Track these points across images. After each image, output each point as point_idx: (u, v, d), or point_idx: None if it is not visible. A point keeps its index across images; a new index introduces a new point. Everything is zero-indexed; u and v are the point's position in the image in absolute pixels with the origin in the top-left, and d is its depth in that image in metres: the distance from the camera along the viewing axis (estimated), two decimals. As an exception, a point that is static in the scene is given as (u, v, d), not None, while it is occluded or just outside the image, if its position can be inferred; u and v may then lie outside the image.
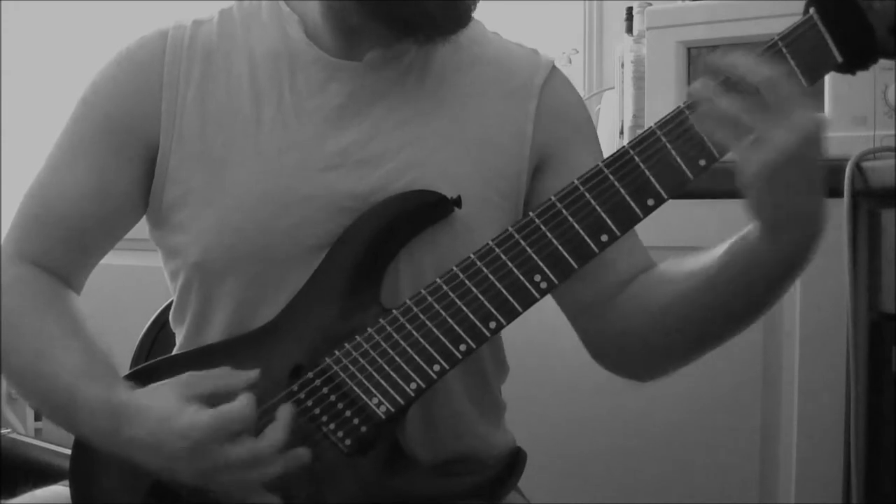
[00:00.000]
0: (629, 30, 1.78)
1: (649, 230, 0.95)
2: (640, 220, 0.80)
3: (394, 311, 0.84)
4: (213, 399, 0.81)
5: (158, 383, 0.84)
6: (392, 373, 0.84)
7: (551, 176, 0.95)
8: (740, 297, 0.83)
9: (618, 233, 0.81)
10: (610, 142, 1.74)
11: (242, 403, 0.80)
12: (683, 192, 0.79)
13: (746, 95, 0.73)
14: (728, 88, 0.74)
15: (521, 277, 0.82)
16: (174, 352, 0.99)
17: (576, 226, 0.80)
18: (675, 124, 0.78)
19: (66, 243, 0.95)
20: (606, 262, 0.91)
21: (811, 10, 0.78)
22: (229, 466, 0.79)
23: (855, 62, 0.78)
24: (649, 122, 0.80)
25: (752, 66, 0.73)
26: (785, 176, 0.73)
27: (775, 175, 0.73)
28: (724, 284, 0.82)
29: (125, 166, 0.93)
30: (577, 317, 0.98)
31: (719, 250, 0.83)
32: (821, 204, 0.77)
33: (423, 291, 0.84)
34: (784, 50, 0.76)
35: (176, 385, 0.83)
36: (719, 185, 1.32)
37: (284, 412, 0.83)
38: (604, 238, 0.81)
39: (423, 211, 0.89)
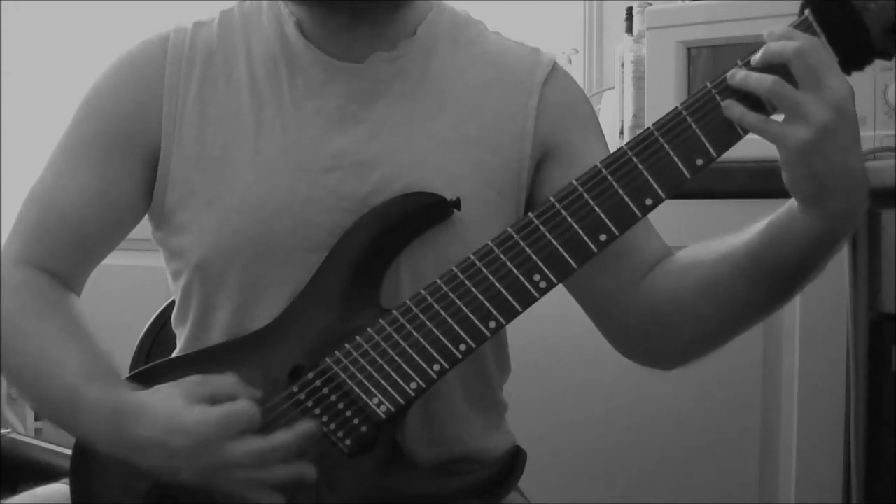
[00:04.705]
0: (629, 30, 1.78)
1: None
2: (638, 219, 0.81)
3: (393, 311, 0.85)
4: (215, 402, 0.81)
5: (161, 385, 0.84)
6: (392, 373, 0.84)
7: (559, 166, 0.95)
8: (780, 275, 0.83)
9: (616, 232, 0.81)
10: (610, 142, 1.73)
11: (248, 403, 0.81)
12: (681, 191, 0.80)
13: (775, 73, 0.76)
14: (754, 70, 0.77)
15: (521, 277, 0.82)
16: (175, 353, 1.00)
17: (574, 226, 0.81)
18: (673, 125, 0.79)
19: (68, 246, 0.95)
20: (627, 251, 0.91)
21: (806, 12, 0.78)
22: (233, 464, 0.80)
23: (851, 63, 0.79)
24: (649, 121, 0.80)
25: (783, 42, 0.75)
26: (820, 149, 0.74)
27: (811, 149, 0.74)
28: (766, 262, 0.82)
29: (127, 169, 0.94)
30: (598, 308, 0.97)
31: (755, 229, 0.83)
32: (857, 174, 0.76)
33: (423, 292, 0.84)
34: None
35: (181, 386, 0.83)
36: (718, 185, 1.34)
37: (305, 425, 0.83)
38: (602, 238, 0.81)
39: (424, 213, 0.89)
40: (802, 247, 0.80)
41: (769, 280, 0.83)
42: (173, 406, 0.81)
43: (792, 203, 0.80)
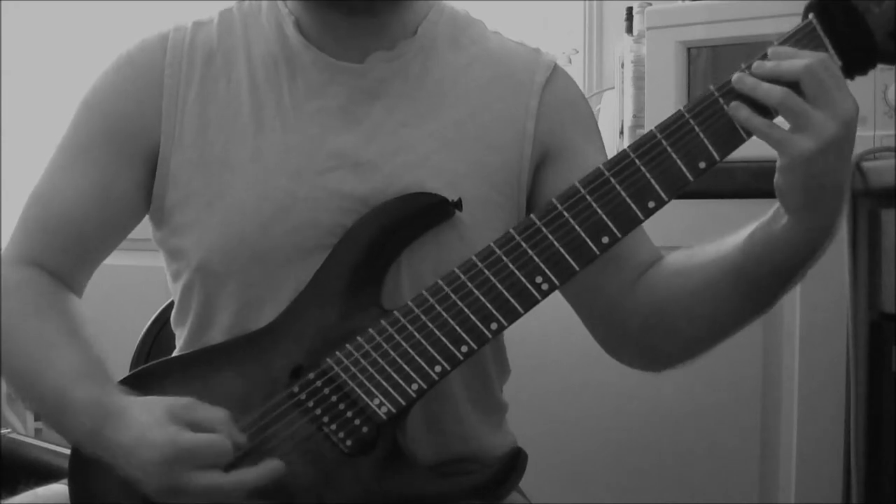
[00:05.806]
0: (629, 30, 1.78)
1: (648, 230, 0.96)
2: (640, 221, 0.81)
3: (395, 312, 0.85)
4: (196, 429, 0.80)
5: (156, 397, 0.84)
6: (393, 373, 0.84)
7: (558, 167, 0.95)
8: (761, 282, 0.84)
9: (618, 234, 0.81)
10: (610, 142, 1.74)
11: (223, 439, 0.79)
12: (683, 192, 0.80)
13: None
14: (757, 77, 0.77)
15: (523, 279, 0.82)
16: (175, 353, 0.99)
17: (577, 228, 0.81)
18: (676, 127, 0.79)
19: (69, 246, 0.95)
20: (625, 254, 0.92)
21: (810, 16, 0.78)
22: (190, 493, 0.79)
23: (854, 67, 0.79)
24: (649, 121, 0.80)
25: (791, 61, 0.76)
26: (822, 160, 0.75)
27: (814, 159, 0.75)
28: (751, 270, 0.83)
29: (126, 169, 0.94)
30: (595, 311, 0.97)
31: (739, 238, 0.84)
32: (842, 189, 0.78)
33: (425, 293, 0.84)
34: None
35: (167, 403, 0.82)
36: (718, 185, 1.34)
37: (270, 465, 0.81)
38: (604, 240, 0.81)
39: (425, 213, 0.89)
40: (784, 256, 0.81)
41: (750, 287, 0.85)
42: (150, 418, 0.80)
43: (773, 215, 0.82)
